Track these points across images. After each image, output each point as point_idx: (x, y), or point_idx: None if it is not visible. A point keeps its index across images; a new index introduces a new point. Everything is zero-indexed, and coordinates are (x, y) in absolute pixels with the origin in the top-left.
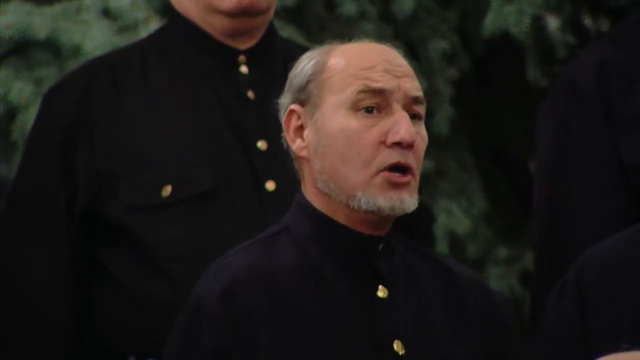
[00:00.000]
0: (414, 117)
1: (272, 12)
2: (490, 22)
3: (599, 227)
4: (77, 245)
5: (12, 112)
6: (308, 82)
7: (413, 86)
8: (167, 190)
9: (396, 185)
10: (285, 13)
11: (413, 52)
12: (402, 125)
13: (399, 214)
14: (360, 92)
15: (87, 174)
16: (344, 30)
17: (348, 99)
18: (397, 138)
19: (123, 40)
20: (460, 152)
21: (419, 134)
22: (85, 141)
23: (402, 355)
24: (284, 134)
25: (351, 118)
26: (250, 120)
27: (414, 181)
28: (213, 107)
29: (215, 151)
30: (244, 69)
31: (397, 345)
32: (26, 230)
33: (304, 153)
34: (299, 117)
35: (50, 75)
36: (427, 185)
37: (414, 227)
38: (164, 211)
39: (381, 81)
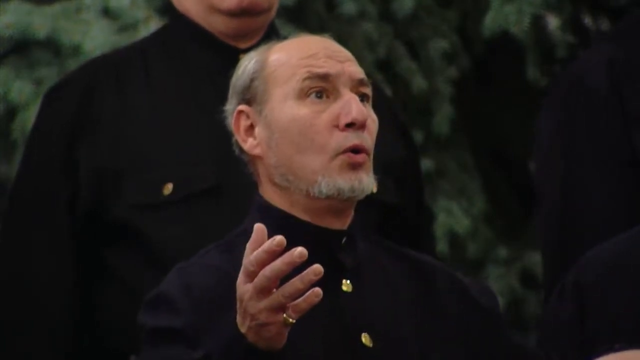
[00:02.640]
0: (362, 98)
1: (273, 11)
2: (490, 22)
3: (611, 227)
4: (78, 244)
5: (12, 112)
6: (252, 80)
7: (357, 69)
8: (168, 188)
9: (354, 166)
10: (285, 12)
11: (413, 52)
12: (352, 106)
13: (359, 196)
14: (305, 79)
15: (89, 173)
16: (344, 30)
17: (294, 88)
18: (349, 119)
19: (123, 40)
20: (460, 152)
21: (370, 116)
22: (87, 140)
23: (370, 347)
24: (235, 137)
25: (300, 106)
26: None
27: (369, 161)
28: (215, 106)
29: (217, 150)
30: None
31: (365, 338)
32: (27, 230)
33: (257, 151)
34: (247, 117)
35: (50, 75)
36: (427, 185)
37: (418, 228)
38: (165, 210)
39: (325, 66)
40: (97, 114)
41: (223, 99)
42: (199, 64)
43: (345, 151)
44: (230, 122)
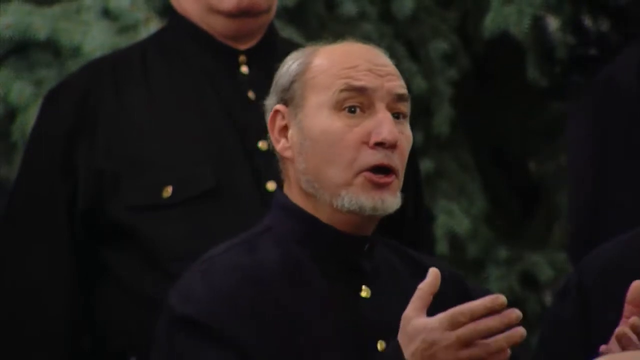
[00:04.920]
0: (398, 116)
1: (273, 12)
2: (490, 22)
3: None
4: (78, 244)
5: (12, 113)
6: (292, 82)
7: (397, 84)
8: (167, 191)
9: (378, 185)
10: (285, 13)
11: (413, 52)
12: (384, 126)
13: (381, 214)
14: (342, 90)
15: (89, 174)
16: (344, 30)
17: (331, 98)
18: (379, 138)
19: (123, 41)
20: (460, 152)
21: (403, 134)
22: (86, 141)
23: None
24: (269, 134)
25: (334, 118)
26: (251, 120)
27: (397, 181)
28: (214, 107)
29: (217, 151)
30: (244, 69)
31: (380, 346)
32: (27, 230)
33: (288, 153)
34: (283, 117)
35: (50, 75)
36: (427, 185)
37: (416, 229)
38: (165, 211)
39: (363, 80)
40: (96, 115)
41: (222, 100)
42: (198, 65)
43: (370, 169)
44: (267, 118)
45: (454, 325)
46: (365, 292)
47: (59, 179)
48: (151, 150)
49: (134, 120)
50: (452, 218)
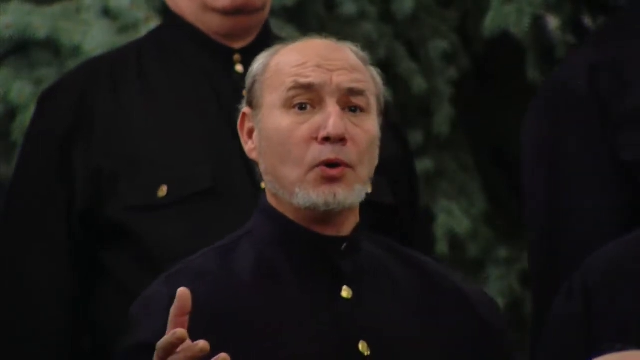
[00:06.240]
0: (355, 109)
1: (267, 10)
2: (490, 22)
3: (598, 228)
4: (76, 246)
5: (12, 112)
6: (253, 83)
7: (348, 78)
8: (163, 190)
9: (328, 179)
10: (285, 13)
11: (413, 52)
12: (330, 120)
13: (337, 209)
14: (290, 89)
15: (86, 174)
16: (344, 30)
17: (280, 97)
18: (324, 133)
19: (123, 40)
20: (460, 152)
21: (360, 127)
22: (83, 141)
23: (367, 356)
24: (240, 137)
25: (284, 116)
26: None
27: (354, 174)
28: (210, 106)
29: (213, 150)
30: (239, 68)
31: (362, 346)
32: (25, 230)
33: (253, 155)
34: (249, 120)
35: (50, 75)
36: (427, 185)
37: (412, 228)
38: (161, 211)
39: (311, 76)
40: (93, 114)
41: (218, 99)
42: (193, 64)
43: (319, 165)
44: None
45: (161, 359)
46: (346, 293)
47: (56, 178)
48: (149, 149)
49: (132, 119)
50: (452, 218)
